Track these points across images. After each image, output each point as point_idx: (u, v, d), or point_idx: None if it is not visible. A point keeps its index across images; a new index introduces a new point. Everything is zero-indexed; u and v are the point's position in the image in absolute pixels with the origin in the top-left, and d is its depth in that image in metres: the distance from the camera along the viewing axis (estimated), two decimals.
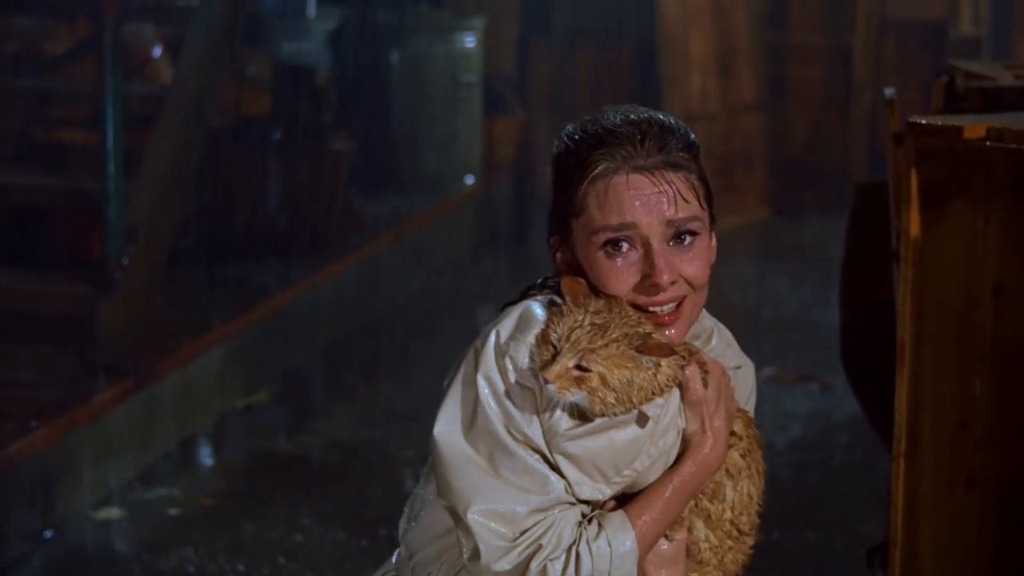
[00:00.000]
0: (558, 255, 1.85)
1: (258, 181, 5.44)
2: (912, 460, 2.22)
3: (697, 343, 1.85)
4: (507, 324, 1.79)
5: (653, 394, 1.74)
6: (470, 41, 6.76)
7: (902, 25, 8.68)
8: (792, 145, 7.91)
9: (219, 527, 3.88)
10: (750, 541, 1.86)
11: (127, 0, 4.75)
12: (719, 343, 1.90)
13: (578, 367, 1.71)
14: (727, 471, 1.83)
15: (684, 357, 1.77)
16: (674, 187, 1.77)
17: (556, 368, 1.71)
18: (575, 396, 1.71)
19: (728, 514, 1.83)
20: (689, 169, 1.80)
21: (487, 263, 6.74)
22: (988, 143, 2.05)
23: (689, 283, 1.79)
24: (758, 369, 2.02)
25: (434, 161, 6.69)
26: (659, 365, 1.73)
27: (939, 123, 2.10)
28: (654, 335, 1.75)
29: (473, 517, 1.75)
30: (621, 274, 1.78)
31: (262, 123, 5.58)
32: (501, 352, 1.77)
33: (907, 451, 2.21)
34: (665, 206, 1.77)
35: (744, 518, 1.84)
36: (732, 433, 1.83)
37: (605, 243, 1.78)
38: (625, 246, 1.78)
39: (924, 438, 2.22)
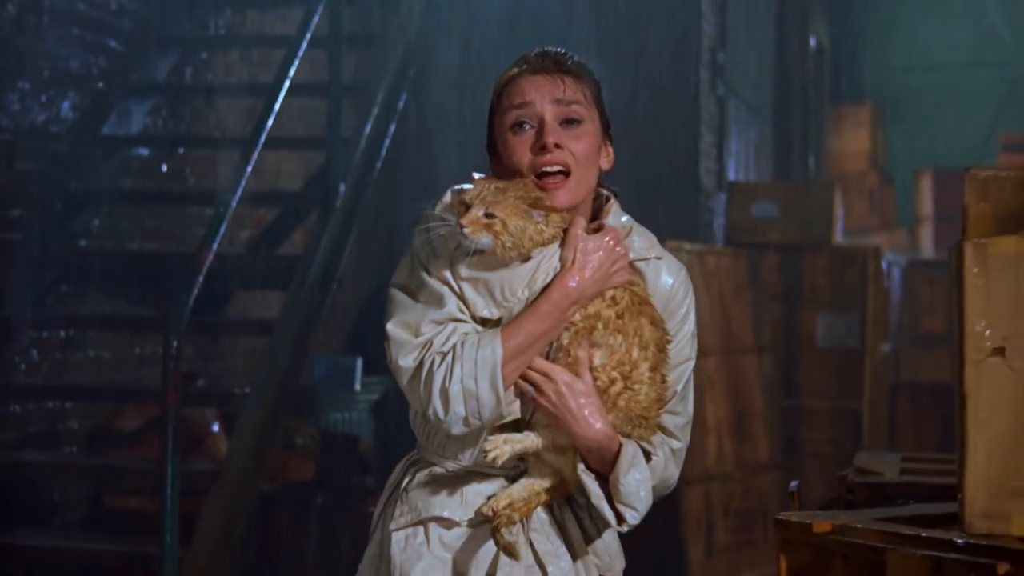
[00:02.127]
0: (492, 165, 2.47)
1: (301, 541, 6.02)
2: None
3: None
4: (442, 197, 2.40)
5: (541, 245, 2.32)
6: None
7: (914, 387, 9.33)
8: (808, 503, 8.42)
9: None
10: (645, 391, 2.36)
11: (190, 388, 5.46)
12: (640, 239, 2.46)
13: (486, 215, 2.28)
14: (601, 319, 2.34)
15: (566, 217, 2.33)
16: (563, 82, 2.41)
17: (470, 216, 2.28)
18: (484, 239, 2.28)
19: (606, 359, 2.33)
20: (579, 78, 2.43)
21: None
22: (832, 537, 2.65)
23: (574, 157, 2.39)
24: None
25: None
26: (546, 221, 2.31)
27: (795, 519, 2.69)
28: (544, 199, 2.32)
29: (390, 327, 2.35)
30: (523, 145, 2.39)
31: (307, 488, 6.20)
32: (430, 214, 2.37)
33: None
34: (554, 89, 2.40)
35: (631, 370, 2.35)
36: (612, 298, 2.35)
37: (512, 125, 2.40)
38: (527, 126, 2.40)
39: None
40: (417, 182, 7.78)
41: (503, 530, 2.36)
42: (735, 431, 8.30)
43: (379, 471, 6.75)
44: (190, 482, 4.93)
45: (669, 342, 2.41)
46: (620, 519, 2.36)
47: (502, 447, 2.32)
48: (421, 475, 2.46)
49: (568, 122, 2.40)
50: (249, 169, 5.24)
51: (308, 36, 5.76)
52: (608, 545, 2.50)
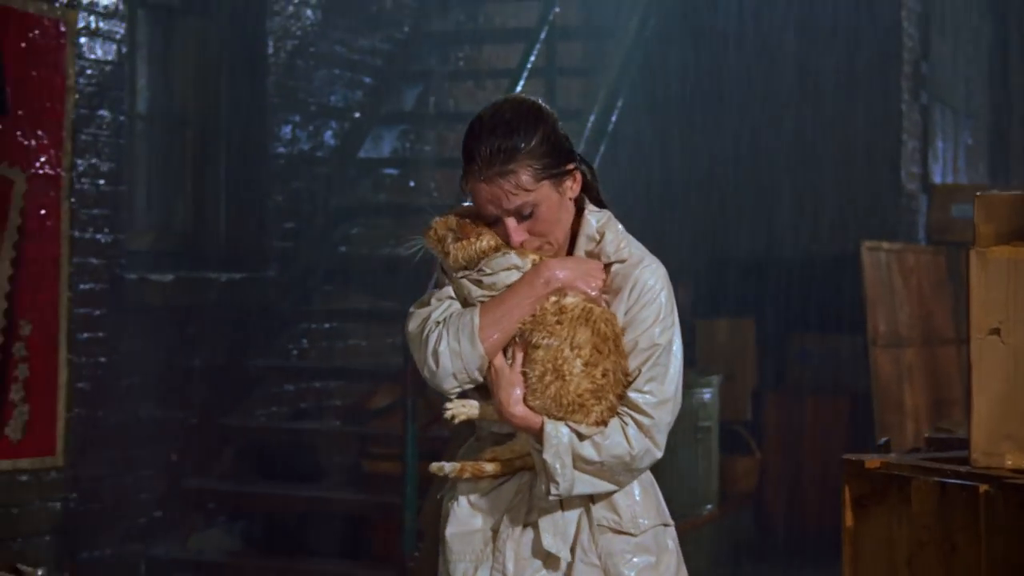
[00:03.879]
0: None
1: None
2: None
3: (592, 244, 2.77)
4: None
5: (469, 256, 2.71)
6: (708, 394, 8.26)
7: None
8: None
9: None
10: (572, 387, 2.66)
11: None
12: (611, 243, 2.77)
13: (428, 229, 2.74)
14: (545, 326, 2.67)
15: (490, 242, 2.68)
16: (503, 188, 2.66)
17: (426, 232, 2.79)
18: (428, 244, 2.75)
19: (540, 353, 2.67)
20: (516, 172, 2.66)
21: None
22: (879, 471, 3.49)
23: (542, 233, 2.71)
24: None
25: (676, 491, 8.02)
26: (471, 242, 2.68)
27: (854, 458, 3.55)
28: (481, 231, 2.69)
29: (411, 307, 2.78)
30: (501, 232, 2.71)
31: None
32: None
33: None
34: (500, 201, 2.68)
35: (561, 364, 2.66)
36: (560, 309, 2.68)
37: (486, 218, 2.72)
38: (496, 218, 2.70)
39: None
40: (631, 194, 8.68)
41: (452, 468, 2.75)
42: (934, 416, 8.91)
43: None
44: (428, 447, 5.79)
45: (617, 342, 2.71)
46: (547, 490, 2.67)
47: (459, 409, 2.71)
48: (469, 443, 2.87)
49: (521, 215, 2.71)
50: None
51: (528, 67, 6.75)
52: (632, 505, 2.77)
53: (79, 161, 5.46)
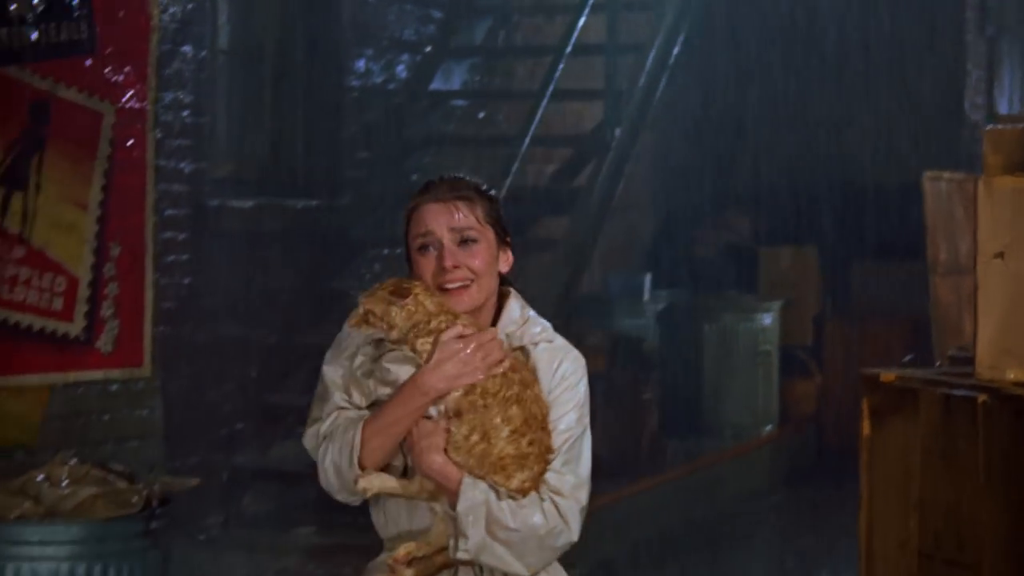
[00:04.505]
0: (410, 270, 2.74)
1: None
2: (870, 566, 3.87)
3: (515, 327, 2.73)
4: None
5: (416, 324, 2.61)
6: (768, 319, 8.53)
7: None
8: None
9: None
10: (496, 450, 2.61)
11: None
12: (535, 328, 2.73)
13: (363, 312, 2.63)
14: (463, 405, 2.61)
15: (439, 301, 2.62)
16: (457, 209, 2.70)
17: (352, 314, 2.65)
18: (363, 331, 2.66)
19: (470, 416, 2.60)
20: (472, 201, 2.71)
21: (780, 496, 8.34)
22: (894, 384, 3.78)
23: (472, 271, 2.69)
24: None
25: (736, 412, 8.36)
26: (413, 302, 2.60)
27: (870, 372, 3.84)
28: (415, 289, 2.63)
29: (307, 424, 2.75)
30: (428, 264, 2.69)
31: (597, 378, 7.48)
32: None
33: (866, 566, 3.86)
34: (449, 219, 2.69)
35: (490, 429, 2.61)
36: (481, 392, 2.61)
37: (419, 247, 2.70)
38: (430, 249, 2.69)
39: (876, 553, 3.88)
40: (696, 126, 8.93)
41: None
42: None
43: (657, 367, 7.99)
44: None
45: (544, 421, 2.69)
46: (455, 546, 2.65)
47: (372, 482, 2.66)
48: (376, 559, 2.82)
49: (464, 242, 2.71)
50: (538, 116, 6.53)
51: (591, 2, 7.01)
52: None
53: (164, 94, 5.81)
